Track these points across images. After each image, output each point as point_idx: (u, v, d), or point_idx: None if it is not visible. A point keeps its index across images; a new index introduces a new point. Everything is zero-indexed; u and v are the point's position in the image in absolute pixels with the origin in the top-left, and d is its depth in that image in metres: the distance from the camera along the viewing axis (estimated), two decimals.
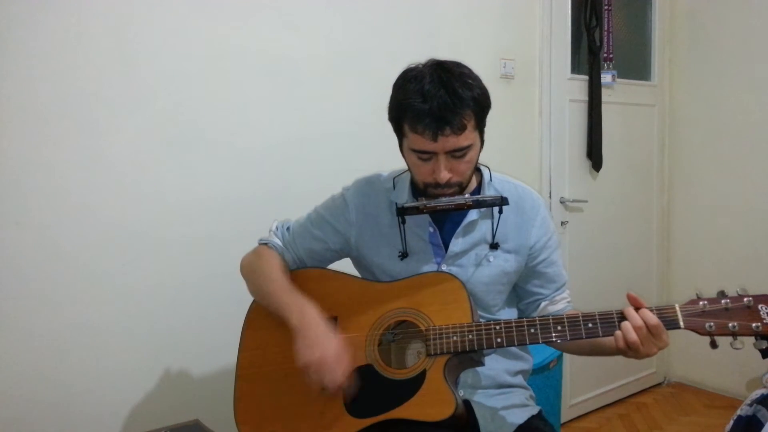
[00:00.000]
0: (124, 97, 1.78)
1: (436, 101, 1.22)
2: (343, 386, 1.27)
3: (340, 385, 1.26)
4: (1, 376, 1.64)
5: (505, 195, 1.38)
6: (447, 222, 1.41)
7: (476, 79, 1.29)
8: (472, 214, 1.39)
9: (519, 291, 1.48)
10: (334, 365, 1.25)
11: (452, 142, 1.25)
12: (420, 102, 1.24)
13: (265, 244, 1.52)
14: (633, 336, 1.17)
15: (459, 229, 1.39)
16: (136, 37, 1.79)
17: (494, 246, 1.39)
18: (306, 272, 1.47)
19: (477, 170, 1.42)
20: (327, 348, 1.26)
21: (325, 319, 1.32)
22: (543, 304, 1.44)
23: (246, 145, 2.01)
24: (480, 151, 1.34)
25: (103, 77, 1.75)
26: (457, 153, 1.27)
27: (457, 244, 1.39)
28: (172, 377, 1.92)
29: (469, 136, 1.27)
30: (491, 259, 1.40)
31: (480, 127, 1.31)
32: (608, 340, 1.26)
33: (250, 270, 1.50)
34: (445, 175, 1.28)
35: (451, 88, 1.24)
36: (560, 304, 1.44)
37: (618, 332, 1.19)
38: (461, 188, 1.32)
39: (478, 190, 1.42)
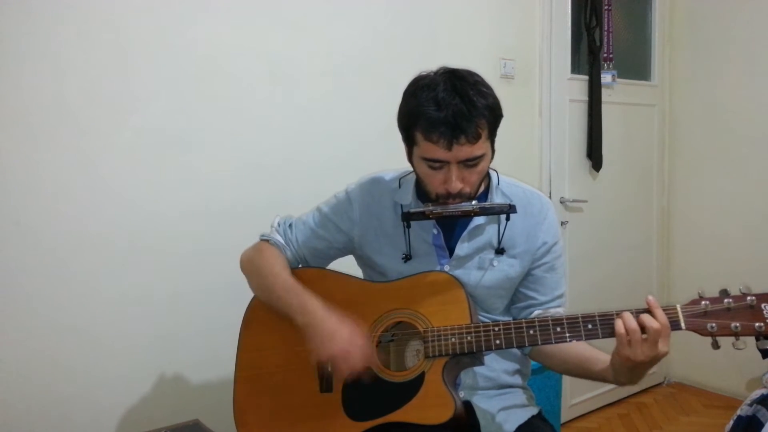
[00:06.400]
0: (122, 98, 1.78)
1: (451, 109, 1.20)
2: (373, 363, 1.28)
3: (369, 365, 1.28)
4: (1, 376, 1.64)
5: (513, 199, 1.37)
6: (452, 225, 1.39)
7: (489, 88, 1.28)
8: (479, 218, 1.37)
9: (513, 293, 1.46)
10: (358, 350, 1.26)
11: (466, 151, 1.23)
12: (434, 110, 1.21)
13: (267, 240, 1.51)
14: (621, 346, 1.16)
15: (465, 233, 1.38)
16: (136, 38, 1.79)
17: (499, 251, 1.38)
18: (304, 272, 1.46)
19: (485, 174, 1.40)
20: (343, 337, 1.27)
21: (328, 307, 1.32)
22: (536, 312, 1.42)
23: (245, 146, 2.00)
24: (491, 161, 1.33)
25: (103, 78, 1.74)
26: (470, 162, 1.25)
27: (462, 248, 1.38)
28: (172, 378, 1.91)
29: (482, 146, 1.25)
30: (495, 264, 1.39)
31: (492, 137, 1.29)
32: (598, 363, 1.27)
33: (251, 266, 1.49)
34: (457, 185, 1.26)
35: (466, 96, 1.22)
36: None
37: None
38: (470, 198, 1.30)
39: (486, 194, 1.40)
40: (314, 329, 1.29)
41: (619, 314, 1.19)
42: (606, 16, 2.95)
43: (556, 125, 2.84)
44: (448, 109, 1.21)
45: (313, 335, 1.29)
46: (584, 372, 1.33)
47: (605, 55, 2.96)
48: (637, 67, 3.27)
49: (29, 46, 1.63)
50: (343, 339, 1.26)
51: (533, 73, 2.78)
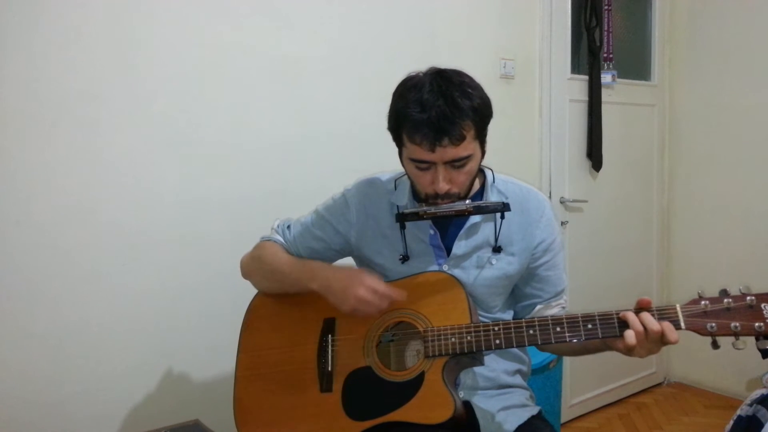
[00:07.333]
0: (123, 97, 1.78)
1: (435, 111, 1.20)
2: (395, 296, 1.30)
3: (392, 300, 1.30)
4: (1, 376, 1.64)
5: (508, 196, 1.37)
6: (449, 224, 1.40)
7: (477, 88, 1.27)
8: (475, 217, 1.38)
9: (516, 292, 1.47)
10: (372, 293, 1.29)
11: (451, 152, 1.23)
12: (418, 112, 1.22)
13: (268, 240, 1.52)
14: (632, 340, 1.16)
15: (462, 232, 1.38)
16: (136, 38, 1.79)
17: (497, 249, 1.39)
18: None
19: (480, 171, 1.40)
20: (356, 288, 1.29)
21: (334, 267, 1.40)
22: (538, 307, 1.44)
23: (245, 145, 2.00)
24: (481, 161, 1.33)
25: (103, 77, 1.74)
26: (457, 163, 1.25)
27: (460, 246, 1.38)
28: (172, 377, 1.92)
29: (468, 147, 1.25)
30: (494, 261, 1.39)
31: (480, 137, 1.29)
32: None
33: (252, 261, 1.51)
34: (443, 186, 1.26)
35: (450, 98, 1.21)
36: (555, 308, 1.43)
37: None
38: (460, 198, 1.31)
39: (481, 192, 1.41)
40: (328, 291, 1.34)
41: (619, 314, 1.19)
42: (606, 16, 2.95)
43: (556, 125, 2.84)
44: (431, 111, 1.21)
45: (329, 297, 1.34)
46: (581, 351, 1.37)
47: (605, 55, 2.96)
48: (637, 67, 3.27)
49: (29, 45, 1.64)
50: (353, 292, 1.29)
51: (533, 73, 2.78)
